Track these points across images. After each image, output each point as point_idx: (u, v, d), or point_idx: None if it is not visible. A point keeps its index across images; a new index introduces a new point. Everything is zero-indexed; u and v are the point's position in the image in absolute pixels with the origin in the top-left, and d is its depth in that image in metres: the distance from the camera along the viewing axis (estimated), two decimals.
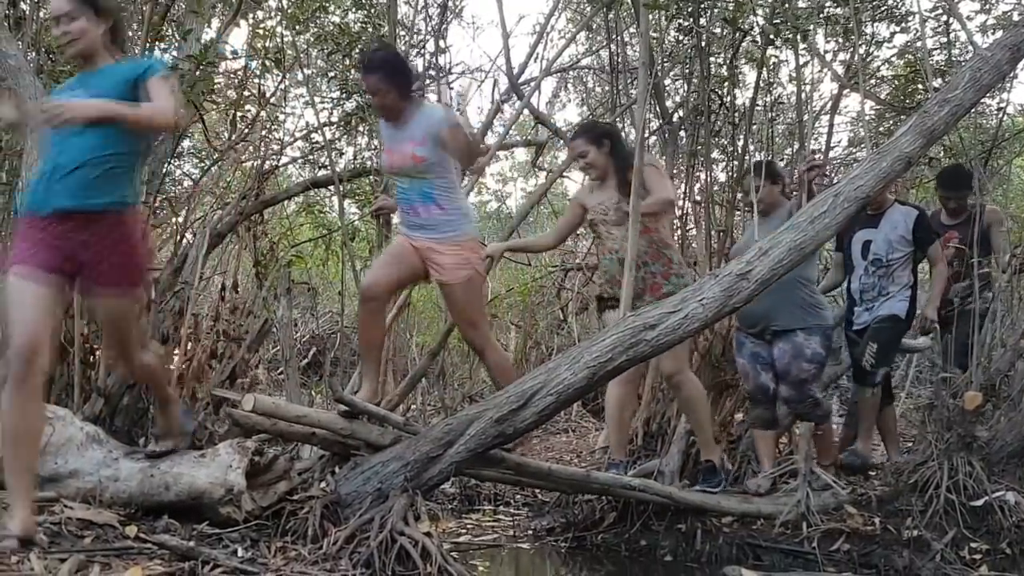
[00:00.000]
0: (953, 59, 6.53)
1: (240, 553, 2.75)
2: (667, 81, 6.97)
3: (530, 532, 4.50)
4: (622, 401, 4.27)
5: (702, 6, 5.71)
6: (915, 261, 4.61)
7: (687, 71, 6.50)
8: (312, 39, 6.88)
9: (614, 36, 6.71)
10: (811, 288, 4.35)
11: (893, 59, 7.25)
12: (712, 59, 6.13)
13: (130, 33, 6.15)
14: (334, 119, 7.13)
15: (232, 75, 7.01)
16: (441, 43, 6.42)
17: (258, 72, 6.71)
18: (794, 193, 4.66)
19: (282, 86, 6.92)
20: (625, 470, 4.17)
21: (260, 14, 6.82)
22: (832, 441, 4.59)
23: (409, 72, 3.67)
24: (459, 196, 3.77)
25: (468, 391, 8.39)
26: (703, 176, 6.22)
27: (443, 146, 3.54)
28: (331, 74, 7.42)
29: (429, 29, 6.43)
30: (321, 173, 7.34)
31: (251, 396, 3.21)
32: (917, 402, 6.46)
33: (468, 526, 4.62)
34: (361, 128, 7.16)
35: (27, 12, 5.38)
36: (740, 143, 6.17)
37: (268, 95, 6.78)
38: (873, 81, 7.37)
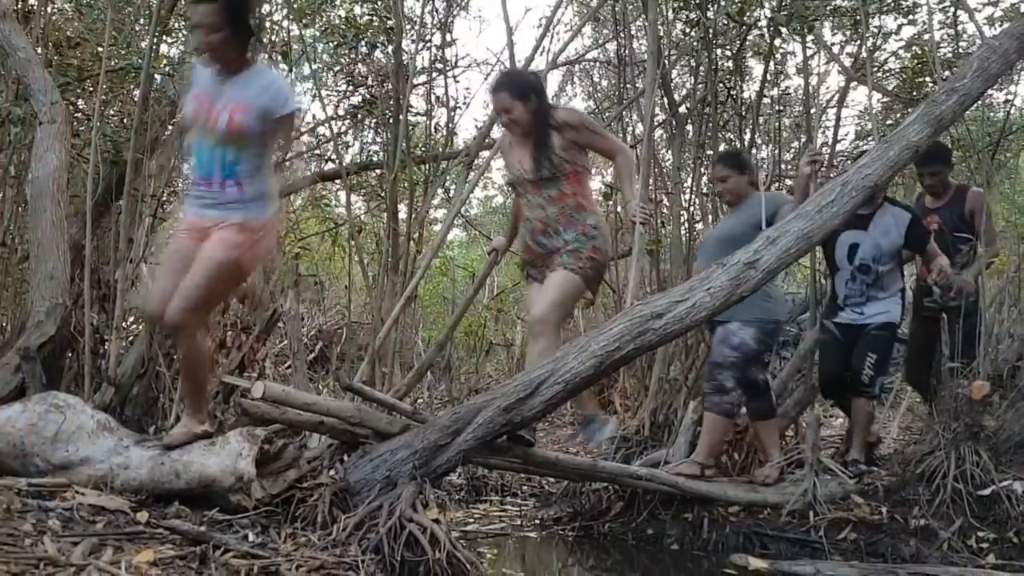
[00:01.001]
0: (961, 51, 6.52)
1: (251, 538, 2.76)
2: (674, 73, 6.97)
3: (537, 521, 4.51)
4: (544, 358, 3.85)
5: None
6: (902, 263, 4.51)
7: (694, 63, 6.51)
8: (318, 32, 6.90)
9: (621, 28, 6.72)
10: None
11: (900, 51, 7.25)
12: (719, 51, 6.13)
13: (137, 27, 6.19)
14: (341, 112, 7.15)
15: None
16: (447, 36, 6.43)
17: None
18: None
19: (288, 79, 6.93)
20: (589, 430, 4.01)
21: (267, 8, 6.84)
22: (719, 442, 4.31)
23: (251, 14, 3.13)
24: (265, 176, 3.19)
25: (474, 385, 8.41)
26: (710, 169, 6.23)
27: (272, 129, 3.14)
28: (337, 67, 7.45)
29: (435, 22, 6.45)
30: (328, 166, 7.37)
31: (261, 383, 3.22)
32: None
33: (475, 516, 4.63)
34: (368, 122, 7.19)
35: (35, 6, 5.42)
36: (747, 136, 6.18)
37: None
38: (880, 74, 7.36)
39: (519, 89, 3.86)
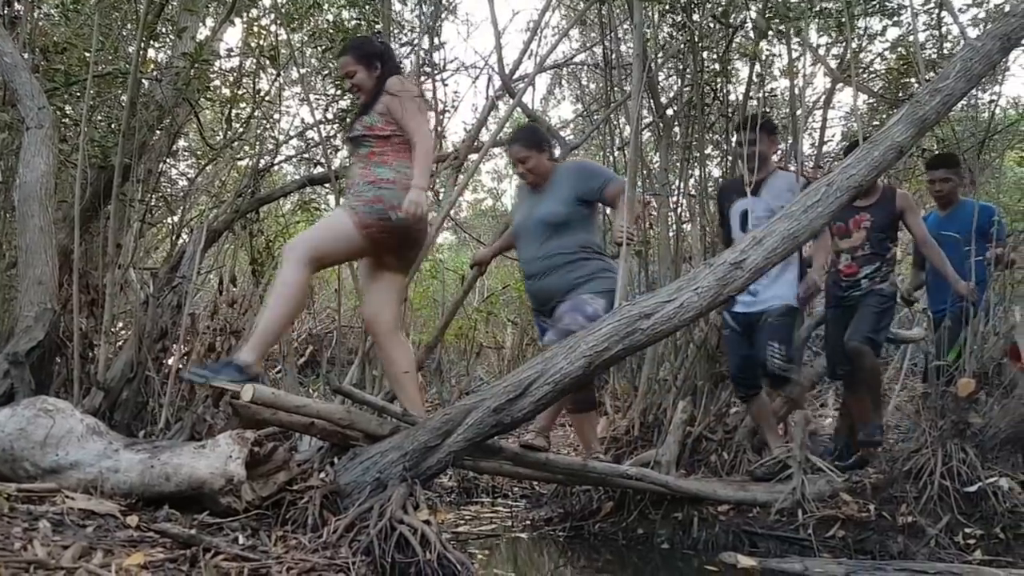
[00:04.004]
0: (945, 52, 6.57)
1: (241, 540, 2.76)
2: (661, 76, 7.00)
3: (528, 522, 4.52)
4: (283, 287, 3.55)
5: (695, 1, 5.74)
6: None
7: (680, 66, 6.53)
8: (306, 37, 6.90)
9: (608, 31, 6.74)
10: (602, 256, 4.14)
11: (886, 53, 7.29)
12: (705, 54, 6.16)
13: (124, 32, 6.18)
14: (329, 116, 7.15)
15: (227, 73, 7.03)
16: (435, 40, 6.44)
17: (252, 70, 6.73)
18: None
19: (277, 83, 6.94)
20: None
21: (254, 12, 6.84)
22: (595, 423, 4.33)
23: None
24: None
25: (464, 387, 8.41)
26: (697, 171, 6.26)
27: None
28: (325, 71, 7.45)
29: (423, 26, 6.45)
30: (317, 170, 7.37)
31: (250, 386, 3.22)
32: (912, 392, 6.49)
33: (466, 517, 4.64)
34: None
35: (22, 12, 5.41)
36: (734, 137, 6.20)
37: (263, 93, 6.81)
38: (866, 75, 7.41)
39: (362, 52, 3.73)
